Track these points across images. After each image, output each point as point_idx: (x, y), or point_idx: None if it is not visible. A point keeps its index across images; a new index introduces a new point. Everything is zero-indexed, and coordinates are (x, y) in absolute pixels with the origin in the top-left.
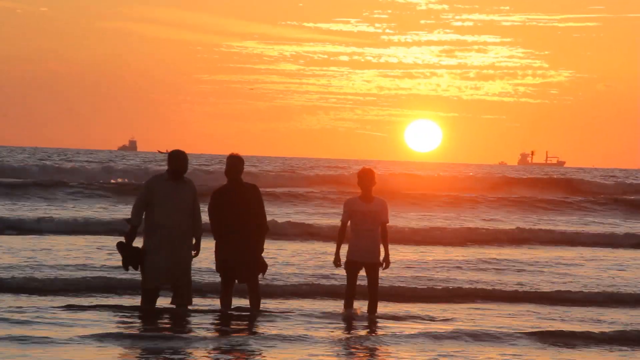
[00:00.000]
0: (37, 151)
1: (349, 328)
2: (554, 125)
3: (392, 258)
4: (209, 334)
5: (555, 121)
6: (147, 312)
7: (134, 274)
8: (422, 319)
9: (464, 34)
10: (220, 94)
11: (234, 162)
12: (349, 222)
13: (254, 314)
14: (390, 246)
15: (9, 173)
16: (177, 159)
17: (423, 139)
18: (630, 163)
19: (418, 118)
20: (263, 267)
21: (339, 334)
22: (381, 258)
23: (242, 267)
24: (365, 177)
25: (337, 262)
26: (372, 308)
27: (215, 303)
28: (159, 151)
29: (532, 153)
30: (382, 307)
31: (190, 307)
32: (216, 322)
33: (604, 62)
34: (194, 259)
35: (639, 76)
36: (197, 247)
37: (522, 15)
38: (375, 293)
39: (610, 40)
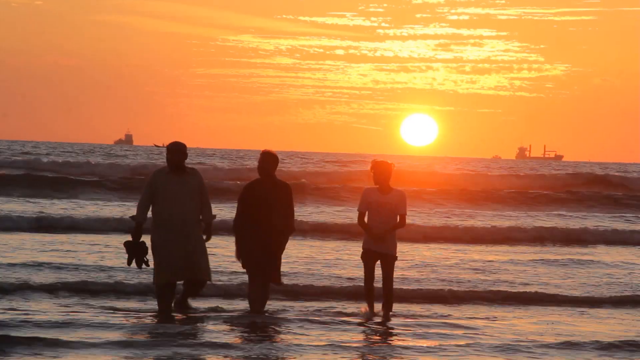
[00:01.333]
0: (38, 145)
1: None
2: (550, 119)
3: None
4: (232, 340)
5: (551, 115)
6: (165, 314)
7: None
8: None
9: (459, 27)
10: (216, 87)
11: (267, 159)
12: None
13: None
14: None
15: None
16: (174, 151)
17: (419, 133)
18: (626, 157)
19: (414, 112)
20: (277, 276)
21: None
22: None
23: (262, 263)
24: (378, 170)
25: (370, 232)
26: (388, 305)
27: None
28: (155, 145)
29: (530, 147)
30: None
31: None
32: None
33: (600, 56)
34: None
35: (635, 70)
36: (207, 232)
37: (518, 9)
38: (390, 288)
39: (606, 34)
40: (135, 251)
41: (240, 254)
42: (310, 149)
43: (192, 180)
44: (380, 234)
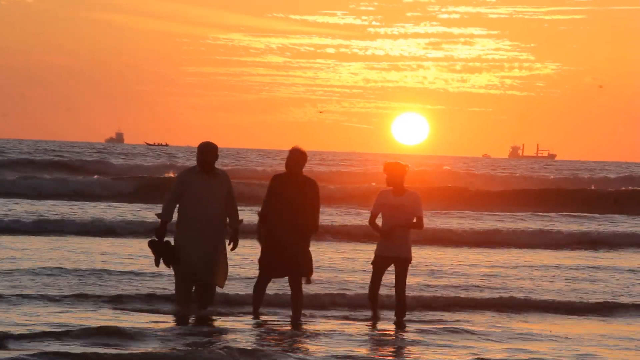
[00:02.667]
0: (27, 144)
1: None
2: (541, 118)
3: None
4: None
5: (542, 114)
6: (183, 315)
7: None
8: None
9: (450, 26)
10: (206, 86)
11: (296, 157)
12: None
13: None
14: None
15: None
16: (206, 151)
17: (410, 132)
18: (618, 156)
19: (405, 110)
20: (309, 269)
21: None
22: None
23: (282, 261)
24: (391, 171)
25: (383, 232)
26: (401, 311)
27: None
28: (147, 143)
29: (523, 146)
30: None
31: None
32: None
33: (591, 55)
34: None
35: (626, 69)
36: (235, 239)
37: (509, 8)
38: (403, 292)
39: (596, 33)
40: (161, 250)
41: (263, 245)
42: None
43: (220, 182)
44: (387, 230)
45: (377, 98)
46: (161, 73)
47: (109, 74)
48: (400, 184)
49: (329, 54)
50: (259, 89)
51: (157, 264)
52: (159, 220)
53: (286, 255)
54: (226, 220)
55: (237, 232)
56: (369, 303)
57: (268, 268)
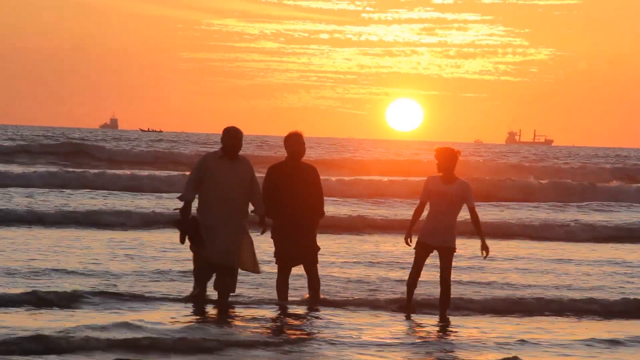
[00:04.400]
0: (20, 129)
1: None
2: (535, 104)
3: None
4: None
5: (535, 99)
6: (198, 301)
7: None
8: None
9: (444, 11)
10: (200, 71)
11: (298, 141)
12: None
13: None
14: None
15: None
16: (232, 136)
17: (404, 118)
18: (612, 142)
19: (399, 96)
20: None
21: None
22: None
23: (296, 250)
24: (442, 157)
25: (407, 240)
26: (445, 301)
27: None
28: (141, 129)
29: (520, 132)
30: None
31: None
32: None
33: (585, 41)
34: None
35: (620, 54)
36: (263, 224)
37: None
38: (447, 283)
39: (590, 19)
40: (187, 228)
41: (275, 238)
42: None
43: (243, 168)
44: (408, 243)
45: (371, 84)
46: (155, 58)
47: (102, 59)
48: (450, 171)
49: (322, 40)
50: (253, 75)
51: (182, 241)
52: (182, 201)
53: (300, 245)
54: (249, 207)
55: (264, 217)
56: (407, 290)
57: (284, 259)
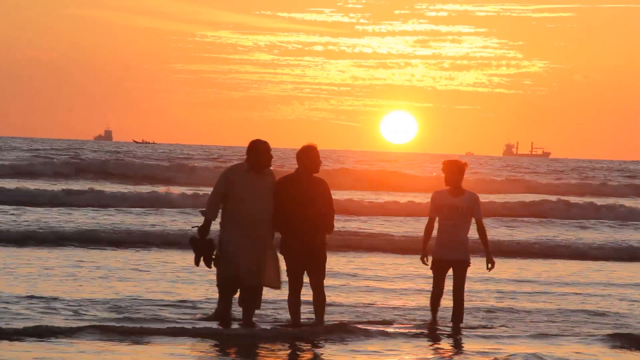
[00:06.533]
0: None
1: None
2: (529, 116)
3: None
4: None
5: (530, 112)
6: (224, 320)
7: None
8: None
9: (438, 24)
10: (194, 83)
11: (311, 154)
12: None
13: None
14: None
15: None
16: (262, 151)
17: (398, 130)
18: (607, 154)
19: (392, 108)
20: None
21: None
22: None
23: (305, 263)
24: (450, 169)
25: (423, 259)
26: (458, 316)
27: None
28: (135, 141)
29: (517, 144)
30: None
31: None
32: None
33: (579, 53)
34: None
35: (614, 67)
36: None
37: (496, 6)
38: (460, 297)
39: (584, 31)
40: (202, 249)
41: (284, 254)
42: (289, 145)
43: (269, 181)
44: (424, 262)
45: (365, 96)
46: (149, 70)
47: (96, 71)
48: (458, 183)
49: (316, 52)
50: (246, 87)
51: (196, 263)
52: (203, 217)
53: (309, 260)
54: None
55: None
56: (431, 307)
57: (296, 275)
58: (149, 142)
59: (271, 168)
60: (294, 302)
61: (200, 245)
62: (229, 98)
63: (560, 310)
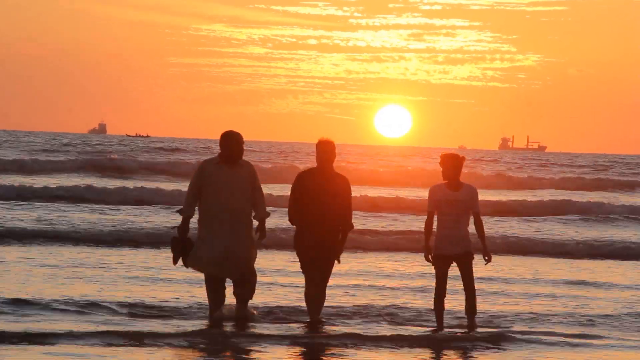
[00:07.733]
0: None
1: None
2: (523, 110)
3: None
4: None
5: (524, 105)
6: (214, 319)
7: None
8: None
9: (432, 17)
10: (188, 77)
11: (327, 149)
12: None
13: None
14: None
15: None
16: (231, 142)
17: (392, 124)
18: (603, 148)
19: (386, 102)
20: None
21: None
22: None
23: (316, 255)
24: (448, 163)
25: (427, 257)
26: (471, 308)
27: None
28: (127, 134)
29: (513, 138)
30: None
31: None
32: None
33: (572, 47)
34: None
35: (607, 60)
36: (262, 230)
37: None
38: (472, 289)
39: (578, 25)
40: (181, 249)
41: (297, 248)
42: (283, 139)
43: (244, 173)
44: (428, 259)
45: (359, 89)
46: (143, 64)
47: (91, 65)
48: (456, 177)
49: (310, 45)
50: (240, 80)
51: (174, 262)
52: (181, 215)
53: (321, 256)
54: (252, 214)
55: (264, 222)
56: (434, 308)
57: (309, 270)
58: (142, 136)
59: (248, 161)
60: (312, 294)
61: (179, 245)
62: (223, 92)
63: None
